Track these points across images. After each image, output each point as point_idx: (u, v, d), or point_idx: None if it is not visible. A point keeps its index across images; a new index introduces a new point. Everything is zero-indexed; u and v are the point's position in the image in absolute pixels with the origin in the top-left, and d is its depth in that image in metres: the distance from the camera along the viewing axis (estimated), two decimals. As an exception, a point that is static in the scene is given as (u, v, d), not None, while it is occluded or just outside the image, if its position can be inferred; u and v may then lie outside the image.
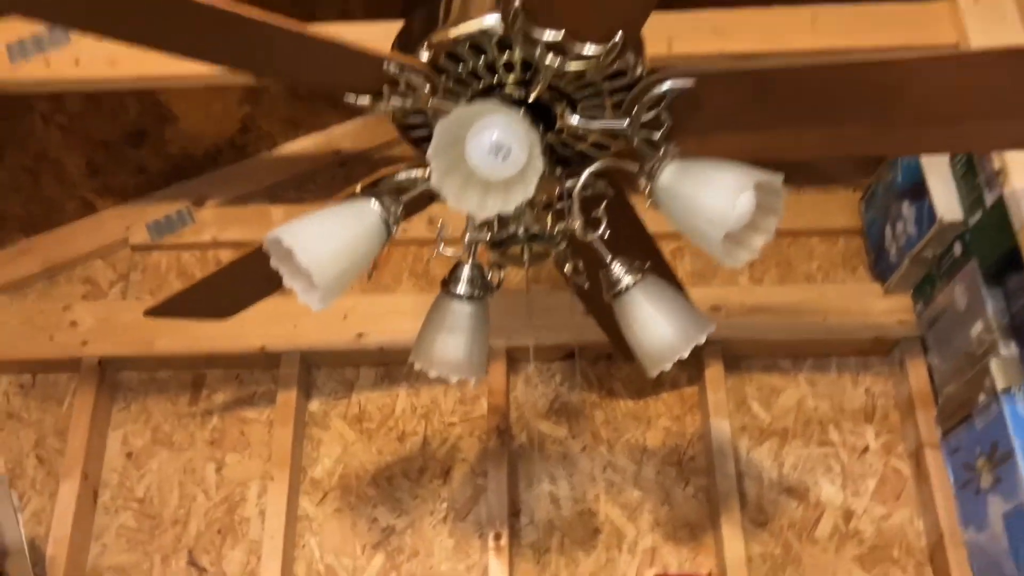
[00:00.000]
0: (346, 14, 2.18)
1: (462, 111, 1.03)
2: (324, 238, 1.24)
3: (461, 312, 1.47)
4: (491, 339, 2.22)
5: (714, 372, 2.32)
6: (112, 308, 2.45)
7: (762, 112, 1.37)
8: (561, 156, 1.52)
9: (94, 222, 2.59)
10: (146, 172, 2.54)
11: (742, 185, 1.15)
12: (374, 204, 1.29)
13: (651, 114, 1.36)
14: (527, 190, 1.06)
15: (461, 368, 1.49)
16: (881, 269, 2.38)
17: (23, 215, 2.52)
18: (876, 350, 2.37)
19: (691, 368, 2.39)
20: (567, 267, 1.41)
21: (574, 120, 1.39)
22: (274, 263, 1.28)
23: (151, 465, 2.36)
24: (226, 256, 2.58)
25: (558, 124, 1.42)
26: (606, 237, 1.47)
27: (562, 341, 2.36)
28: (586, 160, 1.47)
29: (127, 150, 2.45)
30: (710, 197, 1.16)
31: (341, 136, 2.67)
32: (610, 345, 2.31)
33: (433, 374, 1.49)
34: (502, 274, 1.47)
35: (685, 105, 1.36)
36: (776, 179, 1.16)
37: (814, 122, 1.36)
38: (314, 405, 2.41)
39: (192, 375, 2.45)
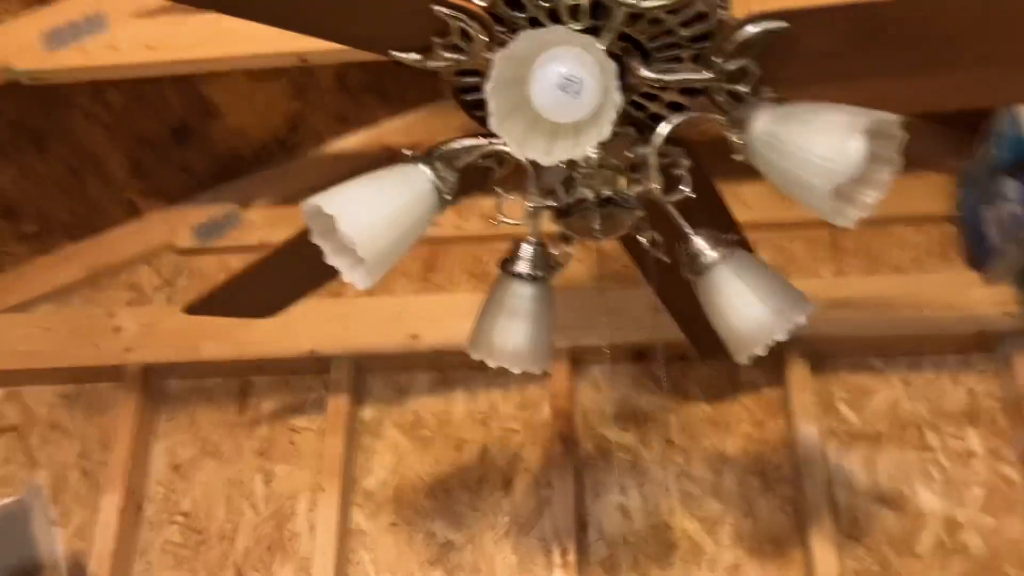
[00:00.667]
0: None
1: (526, 39, 0.88)
2: (370, 206, 1.10)
3: (523, 294, 1.32)
4: (554, 338, 2.09)
5: (798, 372, 2.13)
6: (157, 314, 2.35)
7: (868, 57, 1.20)
8: (633, 119, 1.36)
9: (139, 226, 2.50)
10: (191, 172, 2.44)
11: (854, 127, 0.97)
12: (426, 170, 1.15)
13: (737, 64, 1.20)
14: (602, 130, 0.91)
15: (523, 358, 1.33)
16: (979, 256, 2.17)
17: (68, 219, 2.43)
18: (978, 346, 2.15)
19: (773, 369, 2.19)
20: (646, 236, 1.24)
21: (649, 73, 1.23)
22: (315, 237, 1.14)
23: (197, 477, 2.24)
24: (274, 258, 2.47)
25: (630, 79, 1.27)
26: (685, 208, 1.31)
27: (632, 340, 2.19)
28: (661, 123, 1.31)
29: (172, 148, 2.35)
30: (817, 142, 0.99)
31: (392, 131, 2.54)
32: (684, 345, 2.13)
33: (492, 364, 1.34)
34: (569, 250, 1.31)
35: (776, 53, 1.19)
36: (892, 120, 0.98)
37: (932, 68, 1.19)
38: (367, 412, 2.27)
39: (240, 382, 2.33)
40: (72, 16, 1.83)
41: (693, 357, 2.20)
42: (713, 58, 1.20)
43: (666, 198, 1.22)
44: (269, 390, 2.32)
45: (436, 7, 1.10)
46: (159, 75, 1.93)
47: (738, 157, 1.12)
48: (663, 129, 1.20)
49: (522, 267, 1.32)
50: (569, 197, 1.16)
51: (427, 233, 2.39)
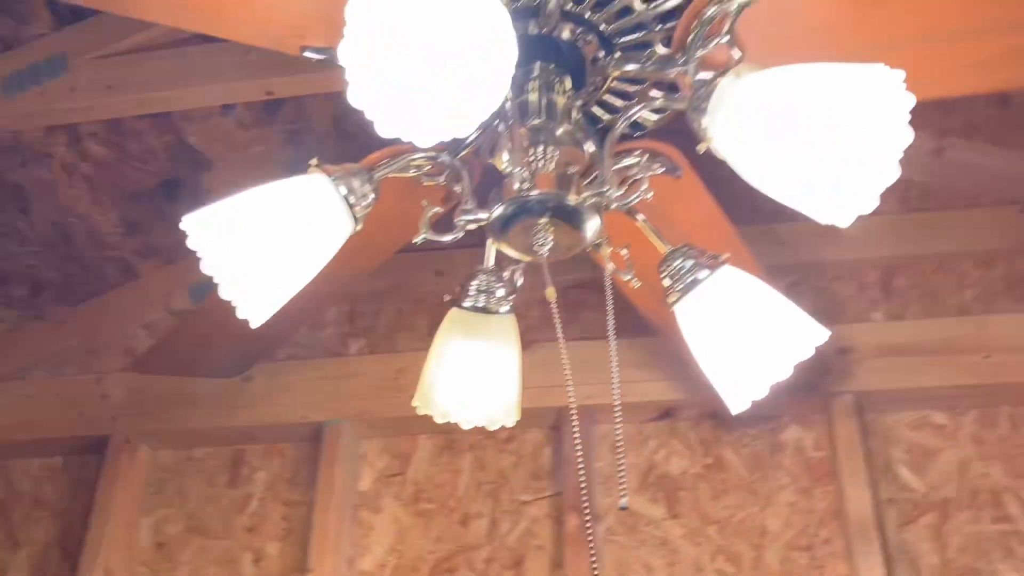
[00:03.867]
0: None
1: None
2: (260, 226, 0.91)
3: (477, 332, 1.10)
4: (567, 396, 1.86)
5: (847, 431, 1.86)
6: (148, 380, 2.18)
7: (873, 25, 0.98)
8: (602, 124, 1.16)
9: (135, 288, 2.37)
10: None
11: (843, 90, 0.75)
12: (331, 181, 0.95)
13: (713, 43, 0.99)
14: (494, 92, 0.70)
15: (480, 409, 1.11)
16: (1058, 293, 1.88)
17: (61, 281, 2.32)
18: (1060, 395, 1.85)
19: (818, 427, 1.92)
20: (606, 254, 1.02)
21: (610, 62, 1.03)
22: (205, 267, 0.95)
23: (183, 557, 2.05)
24: (273, 318, 2.31)
25: (589, 78, 1.07)
26: (667, 229, 1.09)
27: (655, 398, 1.95)
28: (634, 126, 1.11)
29: (163, 203, 2.22)
30: (794, 116, 0.76)
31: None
32: (715, 399, 1.88)
33: (439, 420, 1.12)
34: (518, 274, 1.10)
35: (760, 25, 0.98)
36: (895, 76, 0.75)
37: (958, 34, 0.96)
38: (364, 483, 2.05)
39: (231, 451, 2.15)
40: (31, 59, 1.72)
41: (726, 415, 1.94)
42: (683, 39, 0.99)
43: (624, 202, 0.99)
44: (262, 460, 2.13)
45: None
46: (121, 116, 1.80)
47: (701, 148, 0.90)
48: (620, 122, 0.99)
49: (474, 300, 1.10)
50: (507, 205, 0.95)
51: (435, 285, 2.24)
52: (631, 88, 1.11)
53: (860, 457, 1.83)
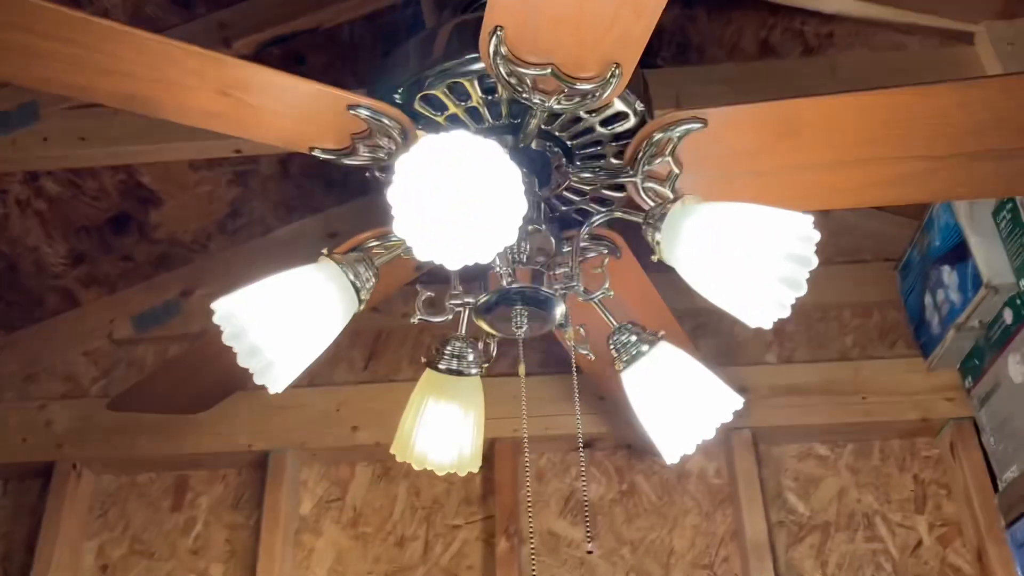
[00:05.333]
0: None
1: (427, 145, 0.87)
2: (281, 308, 1.07)
3: (449, 392, 1.28)
4: (498, 430, 2.05)
5: (745, 462, 2.10)
6: (91, 407, 2.28)
7: (786, 154, 1.20)
8: (560, 215, 1.36)
9: (76, 315, 2.43)
10: (132, 260, 2.40)
11: (768, 230, 0.97)
12: (340, 268, 1.12)
13: (658, 161, 1.20)
14: (507, 235, 0.89)
15: (450, 459, 1.29)
16: (923, 343, 2.17)
17: (2, 309, 2.37)
18: (923, 432, 2.14)
19: (719, 457, 2.17)
20: (568, 334, 1.23)
21: (570, 169, 1.23)
22: (227, 338, 1.11)
23: (128, 578, 2.15)
24: (215, 348, 2.42)
25: (553, 178, 1.27)
26: (610, 301, 1.29)
27: (573, 430, 2.15)
28: (588, 218, 1.31)
29: (111, 236, 2.31)
30: (729, 245, 0.98)
31: (337, 218, 2.52)
32: (631, 433, 2.10)
33: (417, 467, 1.29)
34: (493, 347, 1.29)
35: (697, 148, 1.20)
36: (806, 221, 0.98)
37: (855, 162, 1.19)
38: (305, 507, 2.20)
39: (175, 477, 2.25)
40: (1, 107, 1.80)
41: (639, 445, 2.17)
42: (635, 155, 1.20)
43: (589, 296, 1.20)
44: (206, 485, 2.24)
45: (354, 110, 1.09)
46: (92, 166, 1.90)
47: (655, 258, 1.11)
48: (585, 228, 1.19)
49: (448, 364, 1.29)
50: (491, 297, 1.14)
51: (371, 321, 2.40)
52: (586, 187, 1.32)
53: (756, 485, 2.08)
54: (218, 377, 1.53)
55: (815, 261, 1.00)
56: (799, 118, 1.17)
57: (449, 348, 1.29)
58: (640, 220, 1.13)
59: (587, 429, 2.15)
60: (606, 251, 1.37)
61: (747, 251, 0.96)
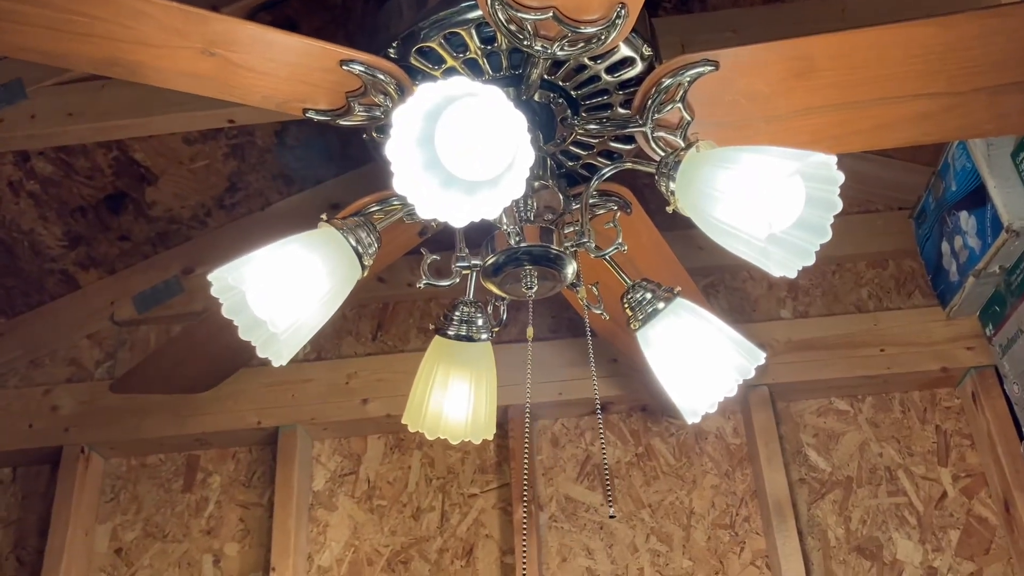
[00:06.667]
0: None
1: (426, 93, 0.82)
2: (281, 277, 1.02)
3: (459, 358, 1.24)
4: (510, 397, 2.01)
5: (763, 419, 2.06)
6: (97, 390, 2.24)
7: (804, 93, 1.15)
8: (566, 170, 1.30)
9: (77, 298, 2.39)
10: (130, 239, 2.35)
11: (786, 169, 0.91)
12: (342, 234, 1.07)
13: (668, 108, 1.15)
14: (515, 187, 0.84)
15: (464, 427, 1.25)
16: (940, 291, 2.12)
17: (1, 295, 2.33)
18: (944, 382, 2.10)
19: (736, 416, 2.13)
20: (580, 293, 1.18)
21: (584, 124, 1.18)
22: (226, 311, 1.06)
23: (143, 561, 2.12)
24: (219, 325, 2.38)
25: (559, 129, 1.21)
26: (621, 258, 1.25)
27: (591, 394, 2.11)
28: (595, 173, 1.26)
29: (107, 216, 2.26)
30: (748, 189, 0.93)
31: (339, 189, 2.47)
32: (645, 395, 2.07)
33: (430, 436, 1.25)
34: (503, 310, 1.24)
35: (708, 93, 1.14)
36: (828, 161, 0.92)
37: (873, 101, 1.14)
38: (318, 483, 2.17)
39: (184, 457, 2.22)
40: (-12, 86, 1.75)
41: (654, 408, 2.14)
42: (643, 103, 1.15)
43: (601, 252, 1.15)
44: (216, 464, 2.21)
45: (347, 65, 1.04)
46: (83, 142, 1.85)
47: (670, 209, 1.06)
48: (594, 183, 1.14)
49: (457, 330, 1.24)
50: (498, 258, 1.10)
51: (377, 291, 2.35)
52: (593, 140, 1.26)
53: (775, 442, 2.04)
54: (222, 354, 1.49)
55: (839, 204, 0.96)
56: (813, 56, 1.11)
57: (457, 314, 1.24)
58: (652, 170, 1.08)
59: (602, 392, 2.11)
60: (616, 207, 1.31)
61: (768, 196, 0.91)
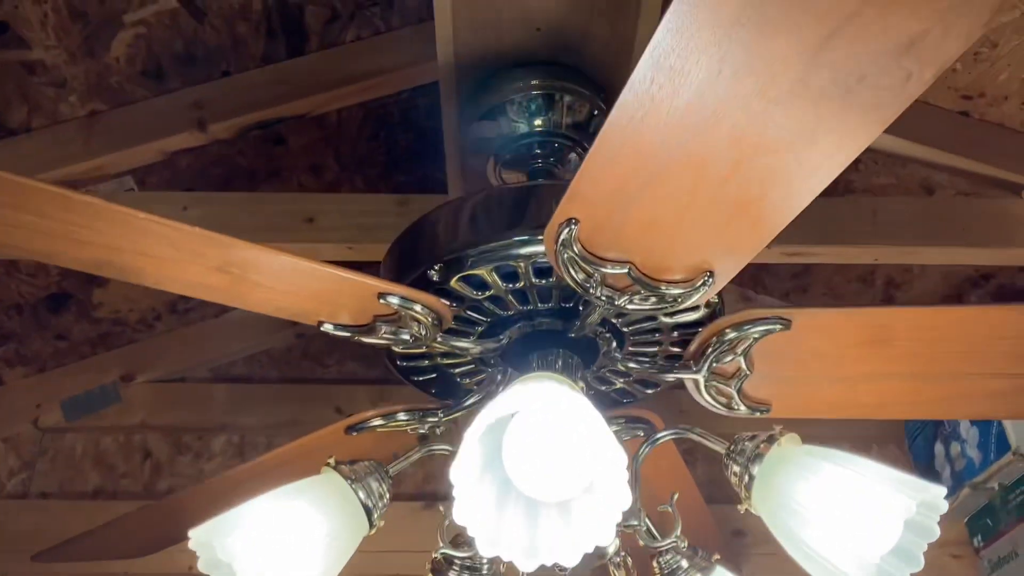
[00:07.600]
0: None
1: (493, 408, 0.67)
2: (275, 540, 0.86)
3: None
4: None
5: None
6: (8, 508, 2.00)
7: (877, 360, 1.04)
8: (594, 391, 1.17)
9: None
10: (67, 339, 2.13)
11: (902, 509, 0.79)
12: (351, 487, 0.91)
13: (728, 360, 1.03)
14: (604, 532, 0.69)
15: None
16: (928, 490, 2.04)
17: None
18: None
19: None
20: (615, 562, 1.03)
21: (628, 362, 1.06)
22: (203, 567, 0.89)
23: None
24: (156, 443, 2.17)
25: (599, 362, 1.08)
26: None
27: None
28: (626, 396, 1.13)
29: (45, 315, 2.05)
30: (850, 521, 0.80)
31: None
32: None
33: None
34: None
35: (772, 346, 1.03)
36: (937, 491, 0.81)
37: (947, 375, 1.04)
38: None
39: (104, 593, 1.98)
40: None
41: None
42: (701, 352, 1.03)
43: (655, 542, 1.01)
44: (136, 605, 1.98)
45: (384, 299, 0.89)
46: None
47: (742, 508, 0.94)
48: (646, 447, 1.01)
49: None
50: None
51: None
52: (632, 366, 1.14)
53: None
54: (178, 535, 1.30)
55: (937, 532, 0.84)
56: (894, 327, 1.01)
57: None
58: (717, 447, 0.95)
59: None
60: (642, 433, 1.18)
61: (873, 531, 0.79)
